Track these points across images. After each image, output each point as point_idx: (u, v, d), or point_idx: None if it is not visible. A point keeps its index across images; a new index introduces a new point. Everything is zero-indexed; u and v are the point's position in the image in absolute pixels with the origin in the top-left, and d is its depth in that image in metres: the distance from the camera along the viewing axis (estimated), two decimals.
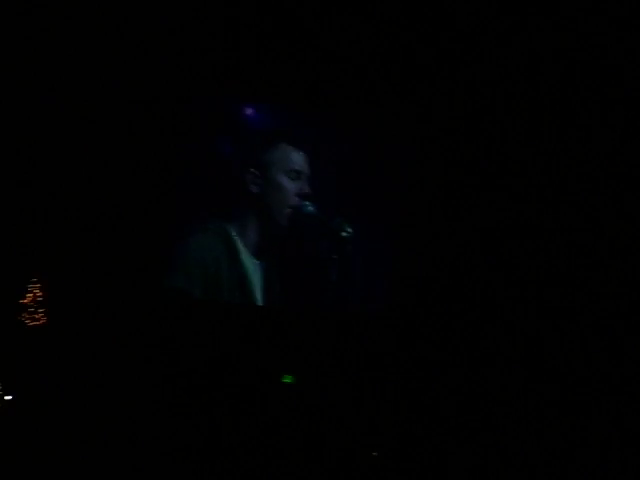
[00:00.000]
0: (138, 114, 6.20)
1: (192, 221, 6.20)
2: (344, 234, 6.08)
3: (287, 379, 6.07)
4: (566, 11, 5.89)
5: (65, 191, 6.07)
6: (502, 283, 6.11)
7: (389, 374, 6.10)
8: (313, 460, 5.48)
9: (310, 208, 6.20)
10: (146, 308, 6.02)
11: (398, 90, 6.31)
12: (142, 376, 5.80)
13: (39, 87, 6.06)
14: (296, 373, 6.06)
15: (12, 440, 5.16)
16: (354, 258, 6.06)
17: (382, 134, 6.52)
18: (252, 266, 6.30)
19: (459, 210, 6.25)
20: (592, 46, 5.93)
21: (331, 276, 6.11)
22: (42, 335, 5.81)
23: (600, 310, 5.77)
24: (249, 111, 6.43)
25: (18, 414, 5.42)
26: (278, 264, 6.35)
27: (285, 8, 6.23)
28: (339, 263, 6.11)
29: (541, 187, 6.18)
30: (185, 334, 6.03)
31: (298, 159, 6.31)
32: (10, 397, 5.52)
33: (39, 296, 5.89)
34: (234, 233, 6.21)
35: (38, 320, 5.84)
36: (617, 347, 5.64)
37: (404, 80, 6.32)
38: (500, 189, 6.24)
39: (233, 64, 6.34)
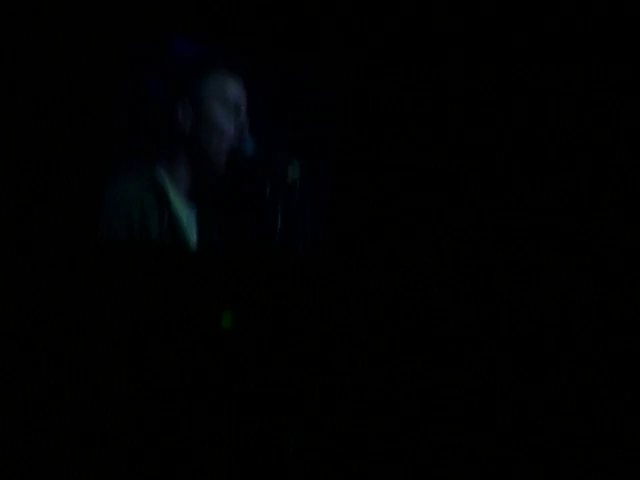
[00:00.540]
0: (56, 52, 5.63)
1: (115, 164, 5.59)
2: (290, 179, 5.64)
3: (226, 321, 5.52)
4: None
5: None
6: (442, 219, 5.85)
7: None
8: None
9: (250, 148, 5.62)
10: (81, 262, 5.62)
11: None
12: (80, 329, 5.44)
13: None
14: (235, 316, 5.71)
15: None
16: (297, 201, 5.68)
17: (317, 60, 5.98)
18: (185, 210, 5.80)
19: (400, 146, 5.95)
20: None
21: (274, 222, 5.75)
22: None
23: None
24: (175, 41, 5.81)
25: None
26: (215, 209, 5.83)
27: None
28: (282, 207, 5.74)
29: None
30: (118, 285, 5.65)
31: (235, 90, 5.74)
32: None
33: None
34: (162, 174, 5.59)
35: None
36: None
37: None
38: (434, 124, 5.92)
39: None
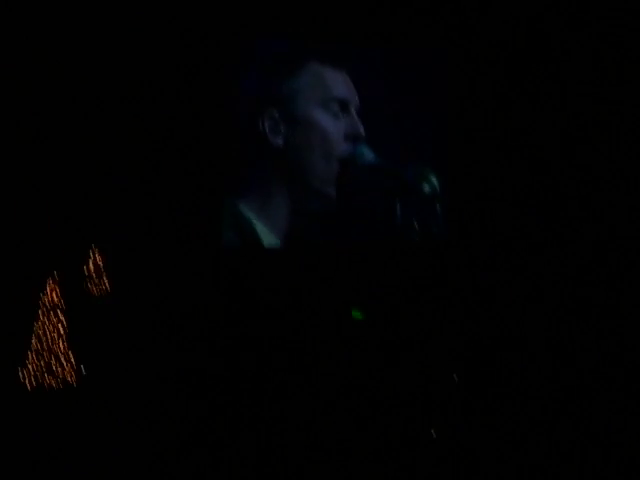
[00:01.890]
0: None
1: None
2: (427, 188, 4.48)
3: (356, 315, 5.69)
4: None
5: (119, 159, 5.86)
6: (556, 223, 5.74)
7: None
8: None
9: (369, 155, 4.44)
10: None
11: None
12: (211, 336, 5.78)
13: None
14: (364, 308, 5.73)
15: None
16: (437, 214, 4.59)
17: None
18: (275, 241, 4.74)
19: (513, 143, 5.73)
20: None
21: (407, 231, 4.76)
22: (108, 302, 5.77)
23: None
24: (262, 40, 4.70)
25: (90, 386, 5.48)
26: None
27: None
28: (417, 221, 4.77)
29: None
30: (238, 289, 5.84)
31: (339, 82, 4.57)
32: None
33: (100, 263, 5.88)
34: (250, 215, 4.58)
35: (103, 288, 5.78)
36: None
37: None
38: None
39: None
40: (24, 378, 5.33)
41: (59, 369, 5.42)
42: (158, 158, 5.78)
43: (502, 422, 5.08)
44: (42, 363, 5.39)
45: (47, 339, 5.43)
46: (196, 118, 5.45)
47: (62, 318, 5.52)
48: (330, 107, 4.56)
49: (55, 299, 5.58)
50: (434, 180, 4.57)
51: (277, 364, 5.47)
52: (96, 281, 5.84)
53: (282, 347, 5.47)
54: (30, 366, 5.37)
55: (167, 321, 5.74)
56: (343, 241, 5.13)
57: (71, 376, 5.46)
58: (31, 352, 5.39)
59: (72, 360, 5.50)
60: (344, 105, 4.59)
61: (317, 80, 4.56)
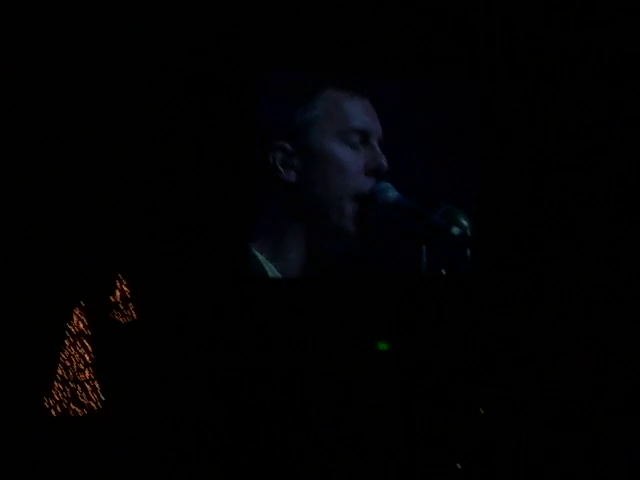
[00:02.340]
0: None
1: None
2: (456, 230, 3.99)
3: (382, 346, 5.55)
4: None
5: (144, 189, 5.93)
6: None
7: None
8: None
9: (392, 193, 3.98)
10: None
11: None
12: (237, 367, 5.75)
13: None
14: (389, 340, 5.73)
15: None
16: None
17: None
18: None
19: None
20: None
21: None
22: (134, 330, 5.80)
23: None
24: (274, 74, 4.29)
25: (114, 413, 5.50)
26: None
27: None
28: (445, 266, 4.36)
29: None
30: (265, 317, 5.82)
31: (359, 111, 4.13)
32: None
33: (127, 292, 5.92)
34: (261, 256, 4.23)
35: (129, 316, 5.80)
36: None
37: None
38: None
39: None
40: (50, 406, 5.34)
41: (85, 398, 5.41)
42: (183, 184, 5.81)
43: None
44: (68, 391, 5.39)
45: (73, 368, 5.44)
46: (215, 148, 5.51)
47: (89, 347, 5.53)
48: (349, 138, 4.18)
49: (82, 327, 5.60)
50: (464, 222, 4.19)
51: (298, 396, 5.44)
52: (123, 310, 5.86)
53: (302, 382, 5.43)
54: (56, 394, 5.37)
55: (191, 349, 5.73)
56: (363, 279, 4.86)
57: (97, 405, 5.44)
58: (57, 381, 5.39)
59: (98, 389, 5.48)
60: (364, 136, 4.21)
61: (334, 108, 4.15)
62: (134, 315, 5.84)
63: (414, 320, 5.55)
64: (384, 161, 4.17)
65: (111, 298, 5.88)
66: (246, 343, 5.72)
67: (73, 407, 5.44)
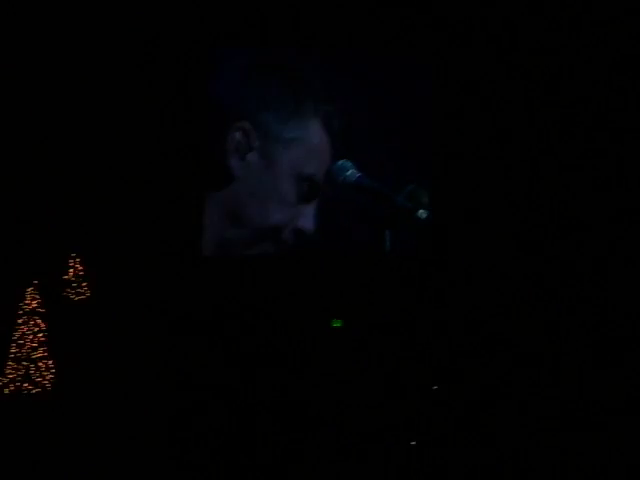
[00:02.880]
0: None
1: None
2: (423, 214, 4.03)
3: (336, 323, 5.76)
4: None
5: (100, 169, 5.90)
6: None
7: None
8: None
9: (352, 172, 4.05)
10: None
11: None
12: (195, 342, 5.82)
13: None
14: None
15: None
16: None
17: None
18: None
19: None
20: None
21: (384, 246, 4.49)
22: (87, 308, 5.79)
23: None
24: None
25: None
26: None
27: None
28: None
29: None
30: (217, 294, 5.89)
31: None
32: None
33: (80, 270, 5.85)
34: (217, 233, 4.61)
35: (82, 294, 5.77)
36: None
37: None
38: None
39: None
40: (3, 384, 5.30)
41: (38, 376, 5.39)
42: (137, 166, 5.83)
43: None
44: (21, 370, 5.36)
45: (26, 346, 5.42)
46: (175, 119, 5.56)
47: (42, 325, 5.51)
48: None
49: (35, 305, 5.57)
50: (426, 199, 4.27)
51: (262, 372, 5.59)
52: (76, 288, 5.85)
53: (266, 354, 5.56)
54: (9, 373, 5.34)
55: (146, 327, 5.76)
56: (323, 253, 5.14)
57: (50, 383, 5.44)
58: (10, 359, 5.36)
59: (51, 367, 5.47)
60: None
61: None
62: (87, 293, 5.82)
63: (370, 299, 5.74)
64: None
65: (64, 276, 5.82)
66: (201, 322, 5.79)
67: (26, 385, 5.40)
